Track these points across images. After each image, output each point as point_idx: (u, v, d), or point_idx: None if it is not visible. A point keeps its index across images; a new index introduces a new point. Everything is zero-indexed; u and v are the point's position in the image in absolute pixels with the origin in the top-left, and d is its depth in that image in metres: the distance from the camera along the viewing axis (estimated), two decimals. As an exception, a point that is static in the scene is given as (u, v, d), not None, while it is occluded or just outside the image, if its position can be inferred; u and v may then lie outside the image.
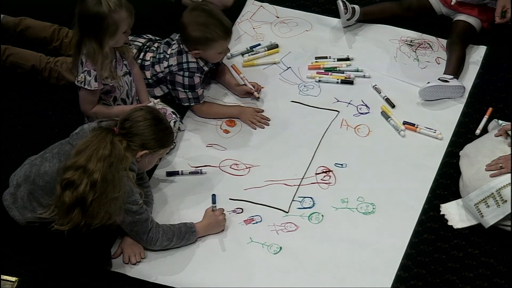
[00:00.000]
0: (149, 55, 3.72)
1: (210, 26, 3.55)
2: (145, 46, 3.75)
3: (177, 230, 3.25)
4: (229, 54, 3.94)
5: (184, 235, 3.26)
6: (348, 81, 3.87)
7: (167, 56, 3.66)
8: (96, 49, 3.35)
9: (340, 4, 3.96)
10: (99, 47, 3.35)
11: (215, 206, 3.33)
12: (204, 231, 3.31)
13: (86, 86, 3.41)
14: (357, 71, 3.90)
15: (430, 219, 3.38)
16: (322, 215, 3.40)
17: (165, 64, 3.65)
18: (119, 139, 3.06)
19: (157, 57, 3.69)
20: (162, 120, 3.18)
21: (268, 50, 4.01)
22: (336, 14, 4.05)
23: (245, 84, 3.81)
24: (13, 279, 3.20)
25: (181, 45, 3.65)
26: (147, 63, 3.70)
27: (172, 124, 3.48)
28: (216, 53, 3.63)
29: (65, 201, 3.01)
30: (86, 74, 3.39)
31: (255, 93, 3.78)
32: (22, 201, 3.18)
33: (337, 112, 3.76)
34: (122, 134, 3.09)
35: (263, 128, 3.71)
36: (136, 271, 3.24)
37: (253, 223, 3.39)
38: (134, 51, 3.64)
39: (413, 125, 3.67)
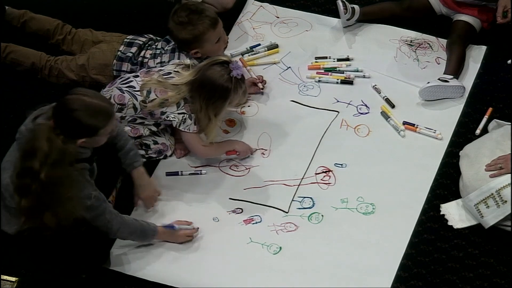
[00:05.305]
0: (148, 53, 3.73)
1: (193, 22, 3.55)
2: (146, 45, 3.76)
3: (139, 228, 3.22)
4: (229, 54, 3.94)
5: (144, 235, 3.24)
6: (348, 81, 3.86)
7: (163, 52, 3.68)
8: (203, 115, 3.38)
9: (340, 4, 3.96)
10: (206, 113, 3.37)
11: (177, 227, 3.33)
12: (164, 237, 3.30)
13: (184, 129, 3.41)
14: (357, 71, 3.89)
15: (430, 219, 3.37)
16: (322, 215, 3.40)
17: (158, 59, 3.66)
18: (57, 133, 2.93)
19: (153, 52, 3.70)
20: (91, 104, 2.99)
21: (268, 50, 4.00)
22: (336, 14, 4.05)
23: (251, 76, 3.83)
24: (13, 279, 3.20)
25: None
26: (145, 60, 3.71)
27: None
28: (213, 45, 3.63)
29: (25, 207, 2.92)
30: (187, 117, 3.39)
31: (259, 84, 3.79)
32: (4, 215, 3.10)
33: (337, 112, 3.75)
34: (58, 126, 2.94)
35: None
36: (136, 271, 3.25)
37: (253, 223, 3.39)
38: None
39: (413, 125, 3.67)
